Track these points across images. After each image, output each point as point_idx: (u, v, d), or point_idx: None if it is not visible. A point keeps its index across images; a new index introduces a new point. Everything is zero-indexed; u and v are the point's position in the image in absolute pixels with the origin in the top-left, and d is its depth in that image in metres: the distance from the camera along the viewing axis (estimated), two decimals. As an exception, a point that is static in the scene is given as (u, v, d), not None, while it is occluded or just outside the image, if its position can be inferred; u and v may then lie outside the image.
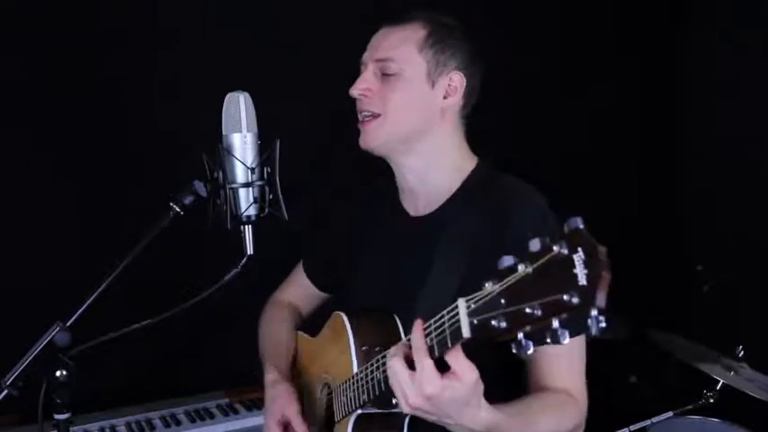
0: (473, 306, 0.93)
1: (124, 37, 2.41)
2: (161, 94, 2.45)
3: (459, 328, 0.96)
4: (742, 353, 2.56)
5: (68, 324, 1.23)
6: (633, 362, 3.10)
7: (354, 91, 1.41)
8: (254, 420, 2.37)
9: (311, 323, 1.71)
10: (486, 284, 0.91)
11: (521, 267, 0.86)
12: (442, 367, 1.03)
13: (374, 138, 1.41)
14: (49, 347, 1.22)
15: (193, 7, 2.50)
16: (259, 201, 1.31)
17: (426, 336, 1.04)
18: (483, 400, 1.08)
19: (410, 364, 1.05)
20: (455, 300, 0.98)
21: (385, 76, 1.40)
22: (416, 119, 1.41)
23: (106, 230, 2.26)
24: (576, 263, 0.80)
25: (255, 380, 1.68)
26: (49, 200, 2.35)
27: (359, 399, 1.27)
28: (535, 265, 0.85)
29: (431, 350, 1.03)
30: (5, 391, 1.19)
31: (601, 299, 0.79)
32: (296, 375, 1.66)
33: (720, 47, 3.29)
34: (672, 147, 3.54)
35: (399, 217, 1.51)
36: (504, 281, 0.88)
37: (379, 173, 1.53)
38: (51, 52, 2.32)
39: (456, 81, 1.41)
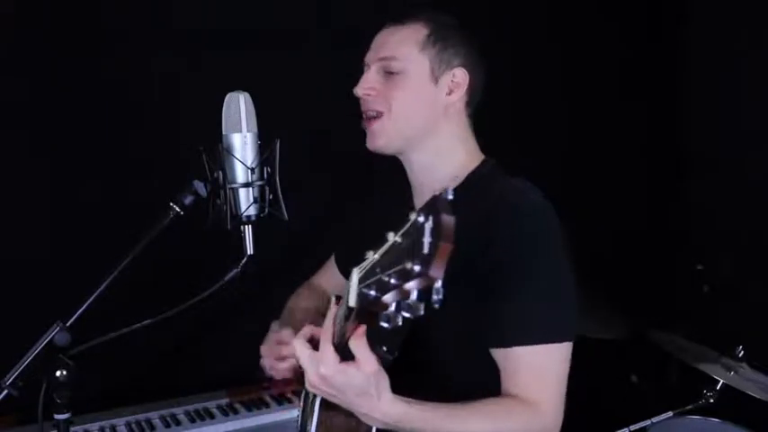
0: (360, 274, 0.94)
1: (124, 37, 2.41)
2: (161, 94, 2.45)
3: (336, 329, 0.99)
4: (742, 353, 2.56)
5: (68, 324, 1.23)
6: (633, 362, 3.10)
7: (359, 90, 1.42)
8: (254, 420, 2.37)
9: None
10: (368, 253, 0.92)
11: (390, 236, 0.87)
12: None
13: (380, 137, 1.42)
14: (49, 347, 1.22)
15: (193, 7, 2.50)
16: (259, 201, 1.31)
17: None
18: (387, 394, 1.09)
19: (315, 345, 1.10)
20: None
21: (388, 74, 1.40)
22: (420, 116, 1.42)
23: (106, 230, 2.26)
24: (426, 231, 0.79)
25: (255, 380, 1.68)
26: (50, 200, 2.35)
27: None
28: (400, 233, 0.85)
29: (334, 335, 1.08)
30: (5, 391, 1.19)
31: (435, 269, 0.78)
32: None
33: (721, 47, 3.29)
34: (672, 148, 3.54)
35: (406, 213, 1.52)
36: (380, 249, 0.89)
37: (385, 171, 1.53)
38: (51, 52, 2.32)
39: (459, 77, 1.42)
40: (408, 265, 0.79)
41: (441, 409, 1.17)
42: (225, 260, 1.31)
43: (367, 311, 0.93)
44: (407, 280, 0.81)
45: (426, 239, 0.79)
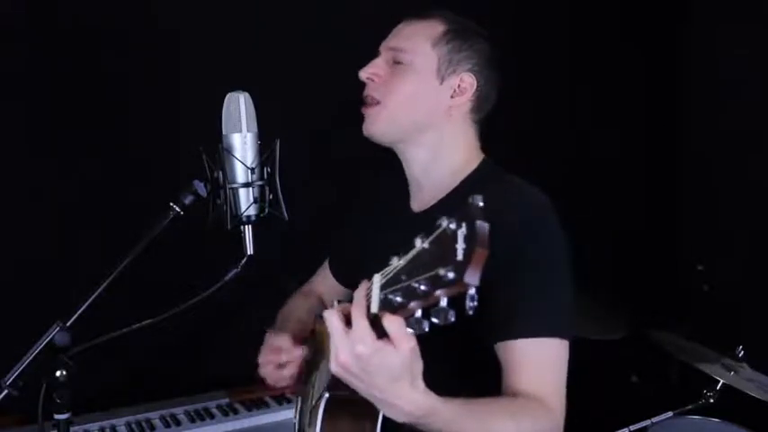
0: (383, 280, 0.92)
1: (124, 37, 2.41)
2: (161, 94, 2.45)
3: (370, 303, 0.94)
4: (742, 353, 2.55)
5: (68, 324, 1.23)
6: (633, 362, 3.10)
7: (363, 73, 1.43)
8: (254, 420, 2.37)
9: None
10: (393, 259, 0.90)
11: (418, 242, 0.86)
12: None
13: (374, 124, 1.42)
14: (49, 347, 1.22)
15: (193, 7, 2.50)
16: (259, 201, 1.31)
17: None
18: (419, 381, 0.99)
19: (348, 323, 0.98)
20: None
21: (396, 64, 1.41)
22: (417, 111, 1.42)
23: (106, 230, 2.26)
24: (459, 237, 0.78)
25: (255, 380, 1.68)
26: (50, 200, 2.35)
27: (329, 379, 1.25)
28: (429, 240, 0.84)
29: (368, 309, 0.96)
30: (5, 391, 1.19)
31: (471, 275, 0.77)
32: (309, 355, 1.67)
33: (722, 45, 3.29)
34: (672, 146, 3.54)
35: (403, 214, 1.52)
36: (406, 255, 0.88)
37: (386, 172, 1.53)
38: (51, 51, 2.32)
39: (466, 82, 1.41)
40: (441, 272, 0.79)
41: (465, 406, 1.11)
42: (225, 260, 1.31)
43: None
44: (438, 287, 0.80)
45: (460, 246, 0.77)
